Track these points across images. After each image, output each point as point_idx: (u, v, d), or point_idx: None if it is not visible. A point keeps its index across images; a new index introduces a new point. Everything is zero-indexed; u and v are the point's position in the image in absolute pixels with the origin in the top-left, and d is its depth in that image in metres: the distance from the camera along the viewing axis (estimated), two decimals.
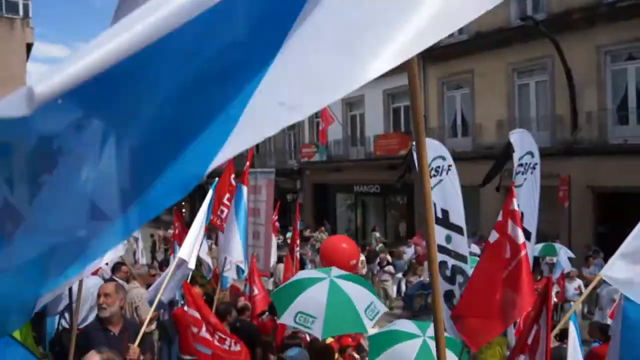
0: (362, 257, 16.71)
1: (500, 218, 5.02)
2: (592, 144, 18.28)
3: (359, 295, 6.38)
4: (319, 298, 6.00)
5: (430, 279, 1.72)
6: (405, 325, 5.92)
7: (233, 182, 9.17)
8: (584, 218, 18.63)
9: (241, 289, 11.14)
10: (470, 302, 4.97)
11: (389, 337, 5.63)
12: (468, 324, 4.99)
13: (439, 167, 6.56)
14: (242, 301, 8.36)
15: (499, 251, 4.86)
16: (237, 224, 8.52)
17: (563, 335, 8.30)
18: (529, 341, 3.28)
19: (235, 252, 8.57)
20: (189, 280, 8.99)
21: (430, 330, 5.66)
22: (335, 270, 6.68)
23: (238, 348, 6.38)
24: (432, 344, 5.64)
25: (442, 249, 6.46)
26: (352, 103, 28.34)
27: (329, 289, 6.12)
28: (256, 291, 9.40)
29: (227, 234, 8.74)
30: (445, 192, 6.47)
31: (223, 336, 6.38)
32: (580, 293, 12.59)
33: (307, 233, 27.18)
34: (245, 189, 8.60)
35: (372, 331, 8.65)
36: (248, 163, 9.06)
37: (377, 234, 24.36)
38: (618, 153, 17.38)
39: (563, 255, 13.64)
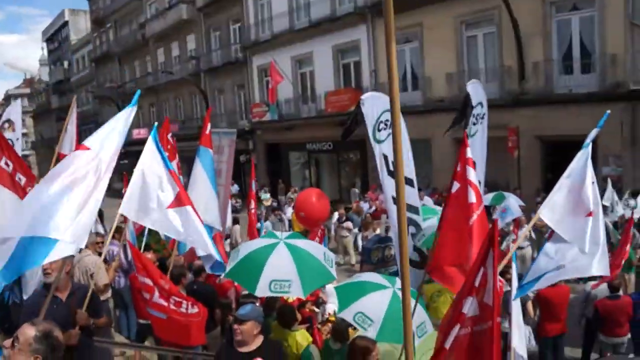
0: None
1: (458, 168, 5.05)
2: (538, 94, 18.60)
3: (313, 248, 6.48)
4: (285, 261, 6.03)
5: (398, 240, 1.67)
6: (373, 277, 6.06)
7: (171, 140, 8.96)
8: (533, 167, 19.11)
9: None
10: (443, 252, 5.03)
11: (358, 288, 5.74)
12: (446, 273, 5.08)
13: (387, 120, 6.54)
14: (197, 263, 8.25)
15: (463, 198, 4.92)
16: (208, 187, 8.35)
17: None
18: (476, 283, 3.32)
19: (209, 216, 8.42)
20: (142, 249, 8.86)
21: (399, 282, 5.81)
22: (281, 234, 6.71)
23: (195, 310, 6.32)
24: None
25: (395, 201, 6.50)
26: (301, 60, 28.01)
27: (289, 250, 6.16)
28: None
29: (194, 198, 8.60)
30: None
31: (179, 300, 6.29)
32: (531, 238, 12.96)
33: (262, 193, 27.14)
34: (210, 151, 8.39)
35: (330, 286, 8.76)
36: (209, 124, 8.83)
37: (357, 190, 24.54)
38: (563, 102, 17.76)
39: (513, 202, 13.96)
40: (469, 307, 3.34)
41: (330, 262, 6.35)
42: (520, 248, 12.99)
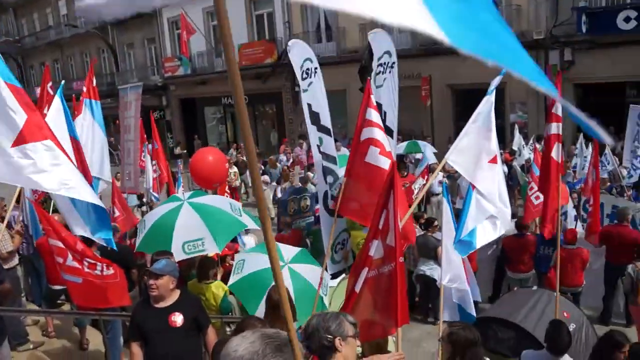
0: (234, 169, 16.65)
1: (367, 116, 5.15)
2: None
3: (218, 201, 6.45)
4: (193, 221, 5.97)
5: (254, 189, 1.64)
6: (263, 261, 5.96)
7: (50, 91, 8.60)
8: (445, 115, 19.67)
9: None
10: (350, 193, 5.18)
11: (257, 281, 5.72)
12: (355, 209, 5.21)
13: (308, 69, 6.53)
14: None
15: (368, 143, 5.07)
16: (100, 141, 8.09)
17: (427, 224, 8.88)
18: (380, 226, 3.40)
19: (105, 170, 8.20)
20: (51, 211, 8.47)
21: (288, 256, 5.86)
22: (183, 195, 6.62)
23: (111, 271, 6.14)
24: (296, 267, 5.82)
25: (319, 151, 6.55)
26: (212, 12, 27.12)
27: (194, 209, 6.10)
28: (117, 213, 9.08)
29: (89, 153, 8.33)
30: (316, 94, 6.48)
31: (93, 261, 6.09)
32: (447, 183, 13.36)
33: (177, 150, 26.54)
34: (99, 104, 8.11)
35: (249, 240, 8.76)
36: (93, 78, 8.51)
37: (274, 143, 24.47)
38: None
39: (428, 150, 14.37)
40: (375, 249, 3.43)
41: (238, 211, 6.34)
42: (435, 194, 13.44)
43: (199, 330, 4.85)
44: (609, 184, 12.55)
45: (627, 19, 16.18)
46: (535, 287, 7.55)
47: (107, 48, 32.92)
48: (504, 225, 5.54)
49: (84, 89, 8.23)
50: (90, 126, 7.95)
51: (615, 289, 8.66)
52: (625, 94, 18.00)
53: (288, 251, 6.15)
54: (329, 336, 2.79)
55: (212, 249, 5.97)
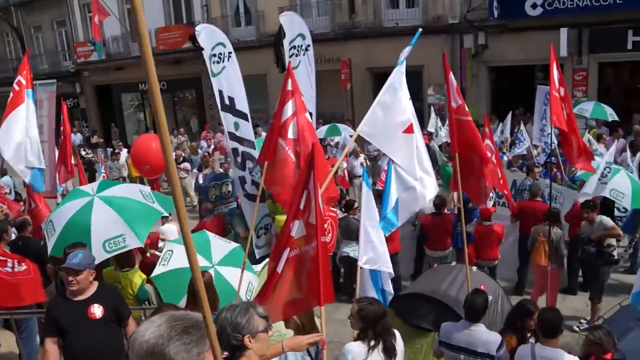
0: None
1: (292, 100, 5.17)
2: (368, 27, 19.19)
3: (128, 191, 6.30)
4: (109, 217, 5.77)
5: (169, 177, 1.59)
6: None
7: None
8: (365, 98, 19.89)
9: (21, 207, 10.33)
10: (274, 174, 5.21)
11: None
12: (277, 193, 5.34)
13: (221, 53, 6.41)
14: (19, 219, 7.64)
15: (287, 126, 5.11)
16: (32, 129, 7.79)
17: (348, 207, 8.98)
18: (301, 206, 3.41)
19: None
20: None
21: (217, 258, 5.73)
22: (91, 188, 6.30)
23: (24, 267, 5.86)
24: (222, 270, 5.66)
25: (233, 137, 6.46)
26: None
27: (108, 204, 5.88)
28: (33, 205, 8.71)
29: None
30: (230, 79, 6.37)
31: (3, 258, 5.79)
32: (367, 166, 13.57)
33: (94, 139, 25.58)
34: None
35: (172, 229, 8.59)
36: (27, 65, 8.11)
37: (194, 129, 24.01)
38: (391, 35, 18.53)
39: (346, 133, 14.52)
40: (297, 229, 3.42)
41: (150, 198, 6.18)
42: (357, 177, 13.61)
43: (120, 322, 4.73)
44: (520, 161, 13.15)
45: (534, 6, 16.95)
46: (454, 263, 7.79)
47: (11, 31, 30.87)
48: (430, 193, 5.66)
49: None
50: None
51: (528, 261, 9.10)
52: (535, 76, 18.84)
53: (219, 251, 5.93)
54: (237, 335, 2.74)
55: (134, 244, 5.77)
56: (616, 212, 9.87)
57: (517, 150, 13.55)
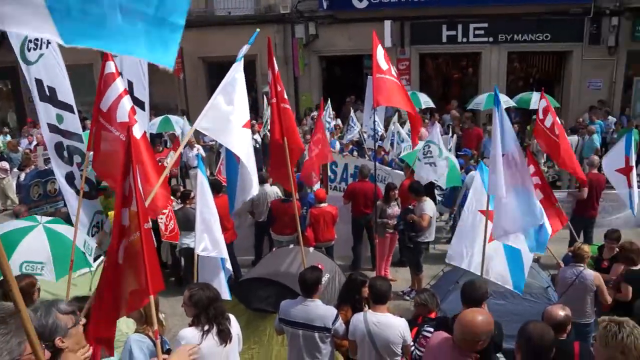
0: None
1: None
2: (200, 15, 18.93)
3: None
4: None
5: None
6: (12, 223, 6.22)
7: None
8: (199, 87, 19.69)
9: None
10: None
11: (7, 239, 5.62)
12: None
13: (37, 39, 5.95)
14: None
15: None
16: None
17: (184, 197, 8.95)
18: (127, 193, 3.39)
19: None
20: None
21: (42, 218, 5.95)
22: (41, 217, 6.37)
23: None
24: (51, 226, 5.94)
25: (55, 129, 6.08)
26: None
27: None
28: None
29: None
30: (50, 68, 5.96)
31: None
32: (203, 157, 13.52)
33: None
34: None
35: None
36: None
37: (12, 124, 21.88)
38: (223, 24, 18.49)
39: (182, 123, 14.29)
40: (126, 218, 3.37)
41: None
42: (193, 168, 13.51)
43: None
44: (351, 146, 13.85)
45: None
46: (291, 246, 8.05)
47: None
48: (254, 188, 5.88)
49: None
50: None
51: (362, 238, 9.73)
52: (363, 65, 19.88)
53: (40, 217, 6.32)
54: (48, 343, 2.72)
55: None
56: (436, 192, 10.89)
57: (349, 136, 14.21)
